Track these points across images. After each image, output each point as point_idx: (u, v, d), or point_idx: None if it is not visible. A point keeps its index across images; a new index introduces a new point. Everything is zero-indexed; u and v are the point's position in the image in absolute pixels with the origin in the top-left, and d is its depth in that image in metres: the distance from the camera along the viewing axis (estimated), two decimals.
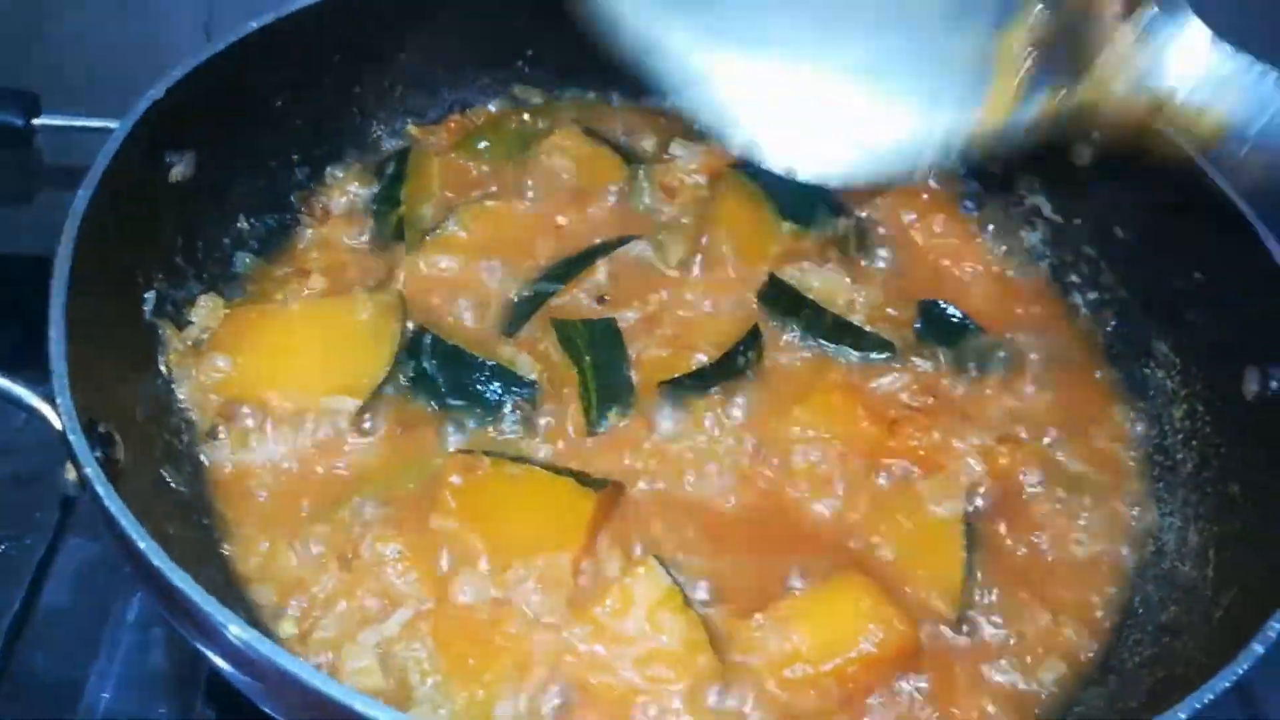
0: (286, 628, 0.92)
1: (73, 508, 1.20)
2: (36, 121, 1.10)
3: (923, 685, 0.94)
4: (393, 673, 0.89)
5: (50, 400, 0.81)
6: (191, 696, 1.07)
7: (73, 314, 0.87)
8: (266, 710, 0.81)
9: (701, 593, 0.97)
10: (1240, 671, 0.75)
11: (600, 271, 1.24)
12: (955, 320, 1.20)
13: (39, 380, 0.84)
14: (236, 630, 0.68)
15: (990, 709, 0.94)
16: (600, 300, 1.19)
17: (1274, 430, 1.01)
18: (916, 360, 1.18)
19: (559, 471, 0.99)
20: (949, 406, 1.14)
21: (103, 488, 0.74)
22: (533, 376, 1.10)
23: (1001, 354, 1.20)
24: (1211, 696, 0.73)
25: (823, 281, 1.20)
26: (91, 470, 0.74)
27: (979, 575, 1.02)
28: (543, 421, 1.08)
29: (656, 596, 0.93)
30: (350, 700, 0.65)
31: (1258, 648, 0.77)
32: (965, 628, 0.99)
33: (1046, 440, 1.14)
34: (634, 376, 1.13)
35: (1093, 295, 1.29)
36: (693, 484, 1.06)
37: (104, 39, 1.46)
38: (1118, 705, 0.91)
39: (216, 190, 1.15)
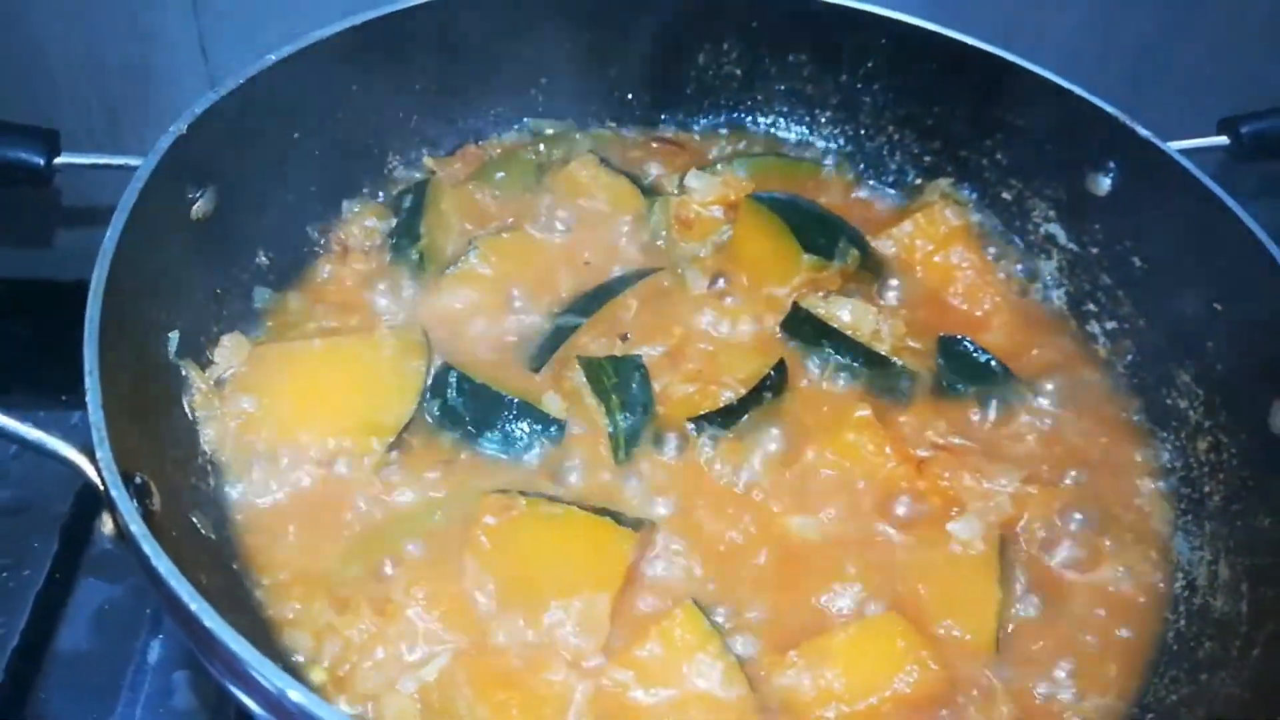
0: (319, 675, 0.90)
1: (74, 538, 1.18)
2: (58, 160, 1.08)
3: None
4: (432, 718, 0.87)
5: (84, 450, 0.79)
6: None
7: (106, 362, 0.85)
8: None
9: (735, 632, 0.96)
10: None
11: (622, 304, 1.23)
12: (976, 356, 1.20)
13: (51, 408, 0.82)
14: (293, 694, 0.66)
15: None
16: (623, 338, 1.19)
17: None
18: (940, 397, 1.18)
19: (597, 511, 0.98)
20: (975, 445, 1.14)
21: (149, 546, 0.72)
22: (561, 416, 1.09)
23: (1023, 390, 1.20)
24: None
25: (849, 311, 1.20)
26: (136, 527, 0.73)
27: (1013, 614, 1.01)
28: (571, 460, 1.07)
29: (695, 640, 0.92)
30: None
31: None
32: (1001, 666, 0.98)
33: (1071, 477, 1.14)
34: (660, 413, 1.12)
35: (1111, 325, 1.29)
36: (722, 522, 1.05)
37: (97, 63, 1.44)
38: None
39: (237, 225, 1.14)
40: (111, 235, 0.92)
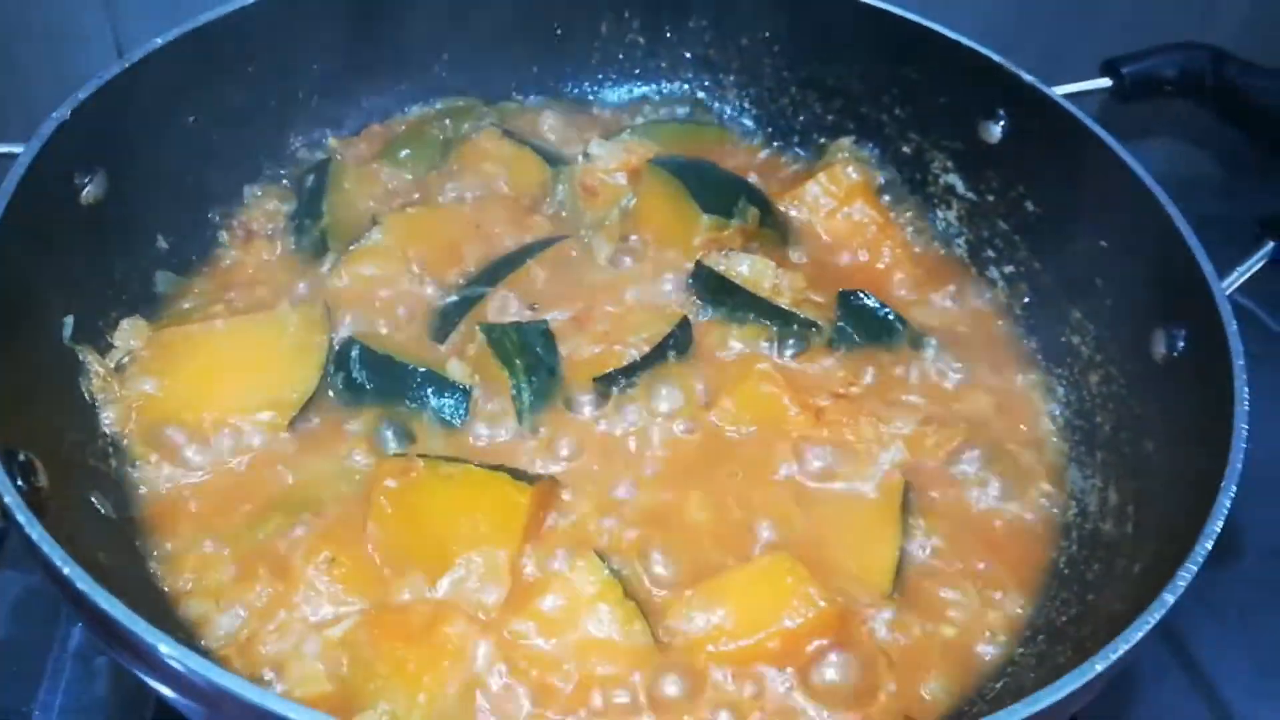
0: (224, 643, 0.91)
1: (4, 540, 1.18)
2: None
3: (854, 659, 0.96)
4: (337, 679, 0.88)
5: None
6: None
7: None
8: None
9: (636, 580, 0.98)
10: (1152, 621, 0.78)
11: (528, 273, 1.24)
12: (874, 309, 1.23)
13: None
14: (167, 649, 0.67)
15: (931, 683, 0.96)
16: (531, 308, 1.20)
17: (1181, 389, 1.05)
18: (840, 348, 1.20)
19: (493, 469, 0.99)
20: (874, 392, 1.17)
21: (23, 515, 0.73)
22: (465, 382, 1.11)
23: (922, 338, 1.23)
24: (1126, 646, 0.76)
25: (749, 266, 1.22)
26: (10, 499, 0.73)
27: (911, 553, 1.04)
28: (476, 424, 1.09)
29: (596, 590, 0.94)
30: (287, 711, 0.65)
31: (1169, 597, 0.80)
32: (897, 603, 1.00)
33: (969, 418, 1.17)
34: (566, 375, 1.14)
35: (1009, 269, 1.32)
36: (627, 477, 1.07)
37: (14, 61, 1.43)
38: (1047, 663, 0.94)
39: (132, 210, 1.14)
40: None
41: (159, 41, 1.14)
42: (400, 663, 0.86)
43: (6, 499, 0.73)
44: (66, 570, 0.70)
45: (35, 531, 0.71)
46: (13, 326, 0.93)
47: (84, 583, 0.69)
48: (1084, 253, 1.22)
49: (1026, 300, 1.30)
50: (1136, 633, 0.76)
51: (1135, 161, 1.16)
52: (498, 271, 1.24)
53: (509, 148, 1.37)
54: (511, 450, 1.07)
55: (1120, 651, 0.75)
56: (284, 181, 1.33)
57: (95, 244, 1.09)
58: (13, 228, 0.94)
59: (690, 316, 1.21)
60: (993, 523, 1.09)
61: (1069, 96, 1.25)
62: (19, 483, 0.78)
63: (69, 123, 1.03)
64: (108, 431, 1.03)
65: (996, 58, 1.28)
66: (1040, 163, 1.28)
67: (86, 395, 1.03)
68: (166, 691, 0.75)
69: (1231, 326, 0.98)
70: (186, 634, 0.91)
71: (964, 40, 1.29)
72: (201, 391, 1.07)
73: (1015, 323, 1.29)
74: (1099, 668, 0.74)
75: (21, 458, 0.83)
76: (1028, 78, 1.26)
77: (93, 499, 0.95)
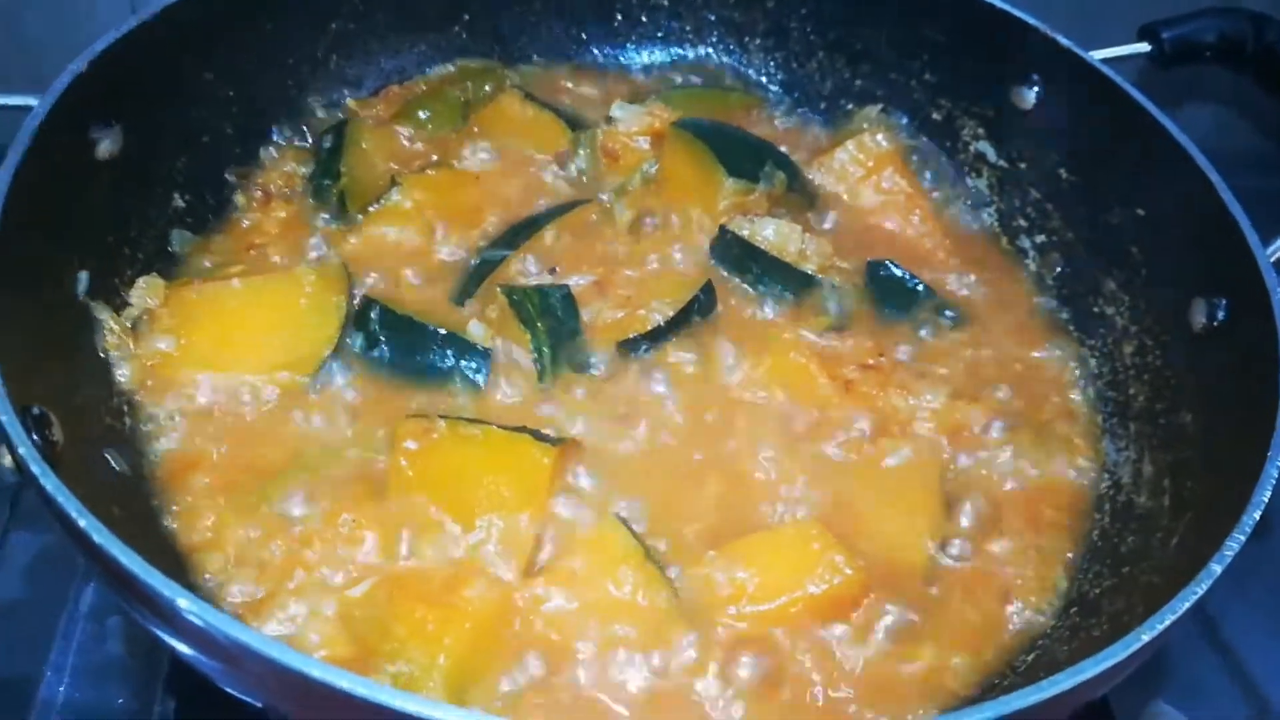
0: (240, 602, 0.89)
1: (20, 500, 1.16)
2: None
3: (888, 624, 0.94)
4: (356, 640, 0.87)
5: None
6: (152, 686, 1.04)
7: (1, 296, 0.83)
8: (228, 689, 0.79)
9: (659, 543, 0.96)
10: (1199, 592, 0.76)
11: (549, 237, 1.22)
12: (902, 279, 1.20)
13: None
14: (187, 604, 0.65)
15: (959, 654, 0.94)
16: (551, 271, 1.18)
17: (1222, 359, 1.02)
18: (868, 320, 1.17)
19: (515, 430, 0.97)
20: (903, 364, 1.14)
21: (38, 467, 0.71)
22: (486, 344, 1.09)
23: (950, 310, 1.20)
24: (1173, 617, 0.74)
25: (775, 231, 1.19)
26: (25, 451, 0.72)
27: (944, 525, 1.01)
28: (496, 386, 1.07)
29: (618, 553, 0.92)
30: (306, 668, 0.63)
31: (1216, 567, 0.78)
32: (929, 574, 0.98)
33: (1001, 390, 1.14)
34: (588, 339, 1.12)
35: (1040, 238, 1.29)
36: (649, 442, 1.05)
37: (25, 15, 1.41)
38: (1080, 636, 0.92)
39: (147, 167, 1.12)
40: (4, 174, 0.90)
41: None
42: (419, 624, 0.85)
43: (21, 451, 0.72)
44: (83, 523, 0.68)
45: (50, 483, 0.70)
46: (27, 281, 0.91)
47: (100, 535, 0.68)
48: (1120, 221, 1.19)
49: (1059, 270, 1.27)
50: (1183, 603, 0.74)
51: (1176, 128, 1.13)
52: (518, 235, 1.22)
53: (530, 110, 1.35)
54: (531, 412, 1.05)
55: (1167, 622, 0.73)
56: (302, 142, 1.30)
57: (111, 200, 1.07)
58: (28, 180, 0.92)
59: (714, 282, 1.18)
60: (1024, 495, 1.06)
61: (1107, 61, 1.21)
62: (34, 436, 0.77)
63: (85, 74, 1.01)
64: (123, 389, 1.01)
65: (1032, 20, 1.24)
66: (1075, 129, 1.25)
67: (101, 352, 1.01)
68: (183, 648, 0.74)
69: (1277, 295, 0.95)
70: (202, 592, 0.89)
71: (997, 2, 1.26)
72: (218, 350, 1.05)
73: (1047, 293, 1.27)
74: (1145, 638, 0.72)
75: (36, 411, 0.81)
76: (1065, 41, 1.23)
77: (107, 456, 0.94)
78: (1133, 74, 1.25)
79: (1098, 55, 1.22)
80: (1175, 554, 0.91)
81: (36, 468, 0.71)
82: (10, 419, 0.74)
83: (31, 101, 0.98)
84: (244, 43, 1.22)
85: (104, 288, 1.04)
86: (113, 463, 0.94)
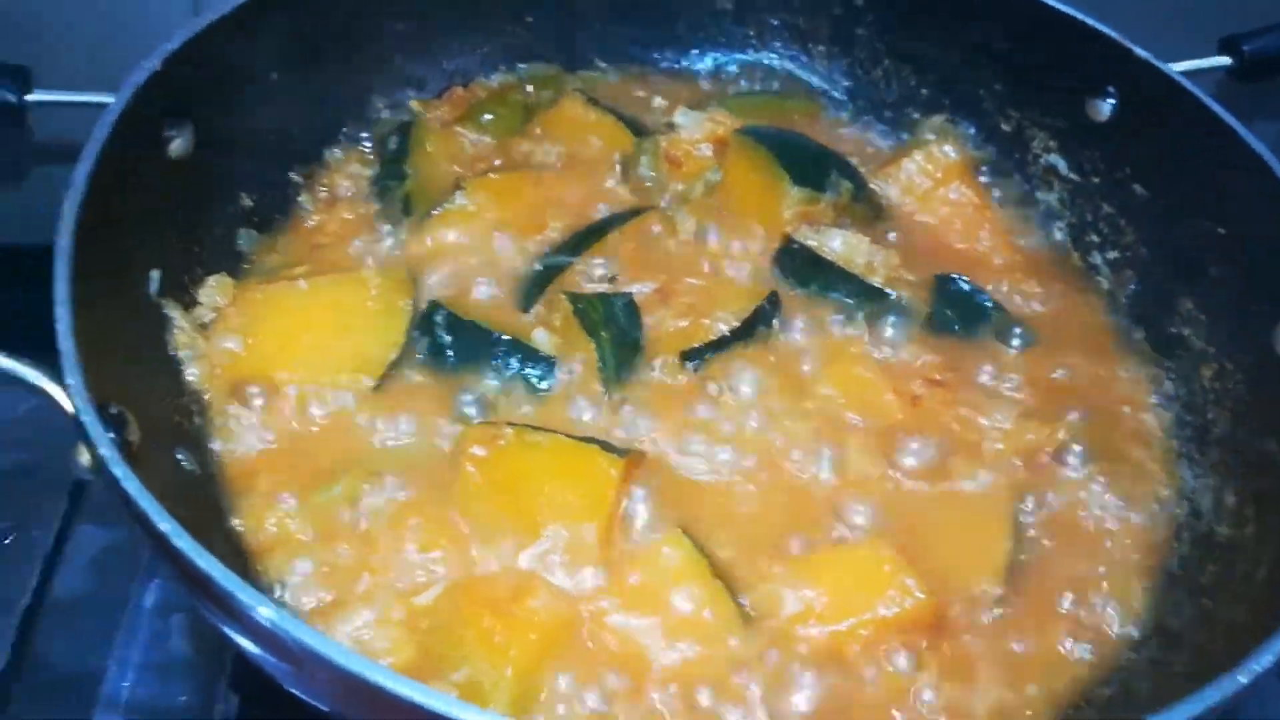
0: (307, 606, 0.89)
1: (83, 495, 1.17)
2: (30, 97, 1.06)
3: (956, 652, 0.92)
4: (422, 647, 0.86)
5: (59, 382, 0.78)
6: (215, 683, 1.04)
7: (77, 294, 0.84)
8: (295, 691, 0.78)
9: (724, 558, 0.95)
10: None
11: (611, 244, 1.21)
12: (972, 296, 1.18)
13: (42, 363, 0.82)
14: (265, 611, 0.65)
15: (1032, 685, 0.92)
16: (612, 280, 1.17)
17: None
18: (936, 335, 1.15)
19: (583, 440, 0.96)
20: (970, 382, 1.12)
21: (119, 469, 0.71)
22: (551, 352, 1.08)
23: (1019, 328, 1.18)
24: (1272, 658, 0.71)
25: (843, 242, 1.17)
26: (107, 451, 0.72)
27: (1015, 551, 0.99)
28: (561, 394, 1.06)
29: (683, 568, 0.91)
30: (378, 677, 0.62)
31: None
32: (1002, 601, 0.96)
33: (1072, 411, 1.11)
34: (650, 348, 1.10)
35: (1113, 255, 1.26)
36: (713, 454, 1.03)
37: (89, 11, 1.42)
38: (1161, 670, 0.89)
39: (216, 166, 1.12)
40: (81, 170, 0.90)
41: None
42: (486, 633, 0.84)
43: (102, 450, 0.72)
44: (164, 526, 0.68)
45: (133, 486, 0.70)
46: (103, 280, 0.91)
47: (181, 539, 0.67)
48: (1197, 238, 1.16)
49: (1132, 288, 1.23)
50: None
51: (1259, 142, 1.09)
52: (582, 241, 1.20)
53: (592, 115, 1.34)
54: (594, 422, 1.04)
55: (1264, 665, 0.70)
56: (366, 142, 1.30)
57: (181, 199, 1.07)
58: (103, 178, 0.92)
59: (779, 292, 1.17)
60: (1099, 521, 1.03)
61: (1185, 74, 1.18)
62: (111, 435, 0.76)
63: (160, 72, 1.01)
64: (192, 388, 1.02)
65: (1108, 31, 1.21)
66: (1151, 143, 1.21)
67: (171, 351, 1.01)
68: (253, 649, 0.74)
69: None
70: (269, 594, 0.89)
71: (1073, 11, 1.23)
72: (285, 351, 1.05)
73: (1120, 312, 1.23)
74: (1243, 680, 0.69)
75: (114, 410, 0.82)
76: (1141, 53, 1.19)
77: (178, 455, 0.94)
78: (1211, 87, 1.22)
79: (1177, 68, 1.19)
80: (1263, 587, 0.88)
81: (119, 469, 0.71)
82: (91, 418, 0.74)
83: (107, 99, 0.99)
84: (310, 43, 1.21)
85: (174, 287, 1.04)
86: (184, 462, 0.94)
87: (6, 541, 1.15)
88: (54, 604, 1.11)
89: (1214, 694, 0.68)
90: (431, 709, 0.64)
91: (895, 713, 0.88)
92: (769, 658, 0.89)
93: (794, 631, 0.90)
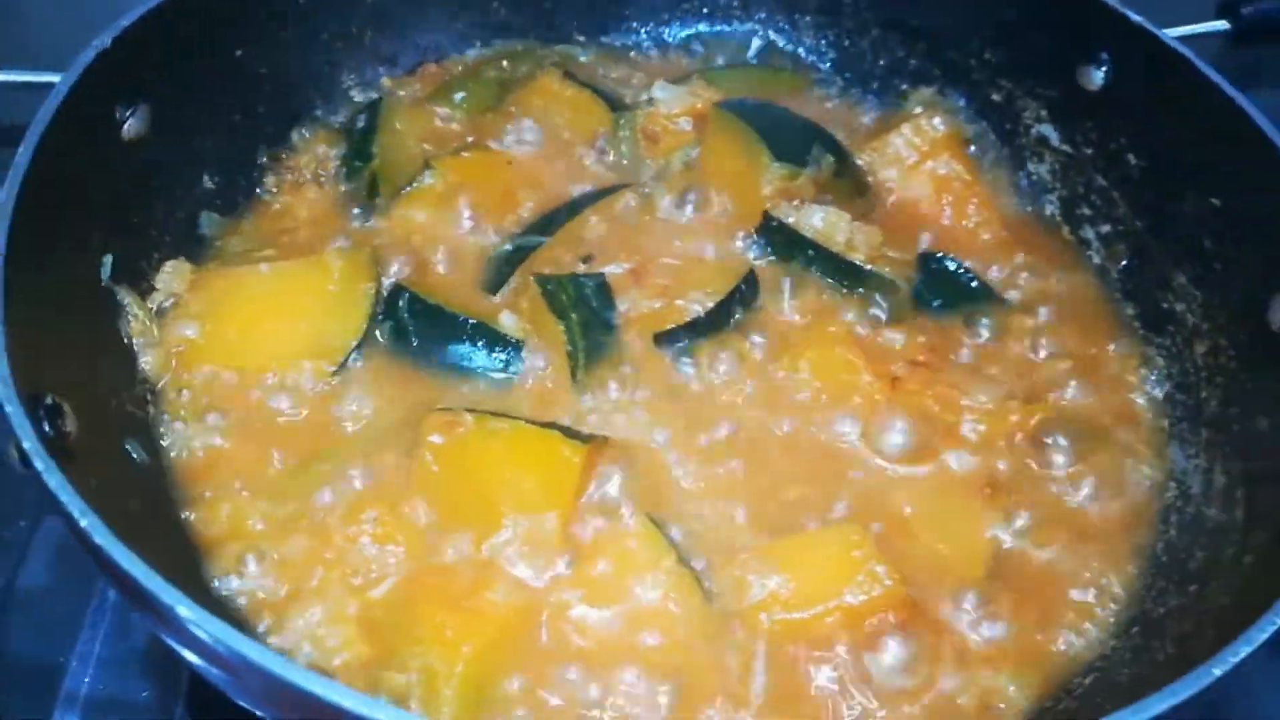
0: (259, 601, 0.87)
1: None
2: None
3: (932, 641, 0.89)
4: (377, 642, 0.84)
5: None
6: (176, 680, 1.02)
7: (15, 280, 0.81)
8: (240, 702, 0.76)
9: (691, 545, 0.92)
10: (1278, 621, 0.69)
11: (585, 223, 1.18)
12: (957, 274, 1.14)
13: None
14: (186, 611, 0.62)
15: (1011, 674, 0.89)
16: (586, 259, 1.13)
17: None
18: (918, 314, 1.12)
19: (545, 426, 0.93)
20: (953, 362, 1.09)
21: (41, 461, 0.68)
22: (518, 335, 1.05)
23: (1008, 303, 1.14)
24: (1249, 649, 0.68)
25: (822, 219, 1.14)
26: (30, 444, 0.69)
27: (995, 533, 0.96)
28: (527, 379, 1.03)
29: (649, 556, 0.88)
30: (308, 684, 0.59)
31: None
32: (981, 588, 0.93)
33: (1061, 390, 1.08)
34: (623, 330, 1.07)
35: (1105, 228, 1.22)
36: (685, 438, 1.00)
37: None
38: (1143, 659, 0.86)
39: (175, 147, 1.09)
40: (24, 153, 0.87)
41: None
42: (438, 628, 0.81)
43: (26, 445, 0.69)
44: (84, 522, 0.65)
45: (54, 479, 0.67)
46: (47, 265, 0.89)
47: (101, 536, 0.65)
48: (1192, 211, 1.11)
49: (1124, 263, 1.19)
50: (1260, 633, 0.68)
51: (1257, 111, 1.05)
52: (553, 221, 1.17)
53: (570, 90, 1.30)
54: (562, 407, 1.01)
55: (1241, 655, 0.67)
56: (335, 122, 1.27)
57: (137, 181, 1.05)
58: (48, 160, 0.89)
59: (756, 271, 1.13)
60: (1083, 504, 1.00)
61: (1182, 40, 1.13)
62: (45, 428, 0.74)
63: (109, 51, 0.98)
64: (146, 377, 0.99)
65: None
66: (1146, 112, 1.16)
67: (125, 338, 0.99)
68: (190, 656, 0.71)
69: None
70: (219, 591, 0.87)
71: None
72: (244, 337, 1.03)
73: (1111, 287, 1.19)
74: (1216, 672, 0.66)
75: (49, 401, 0.79)
76: (1136, 18, 1.15)
77: (127, 446, 0.92)
78: (1208, 53, 1.17)
79: (1172, 33, 1.14)
80: (1249, 574, 0.84)
81: (40, 462, 0.68)
82: (16, 409, 0.71)
83: (54, 78, 0.96)
84: (277, 17, 1.19)
85: (130, 272, 1.02)
86: (133, 453, 0.92)
87: None
88: (18, 595, 1.09)
89: (1186, 688, 0.64)
90: (365, 716, 0.61)
91: (870, 701, 0.85)
92: (734, 645, 0.86)
93: (758, 617, 0.87)
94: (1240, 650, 0.67)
